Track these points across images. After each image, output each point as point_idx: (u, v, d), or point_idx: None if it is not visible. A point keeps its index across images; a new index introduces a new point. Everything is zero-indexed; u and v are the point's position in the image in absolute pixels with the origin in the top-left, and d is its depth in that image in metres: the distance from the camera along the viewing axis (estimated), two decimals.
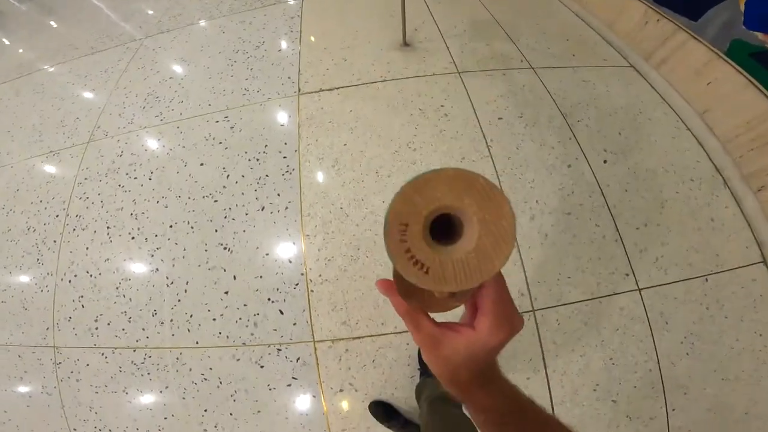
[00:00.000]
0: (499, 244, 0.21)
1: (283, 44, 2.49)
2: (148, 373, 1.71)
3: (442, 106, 2.05)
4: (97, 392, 1.72)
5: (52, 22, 3.57)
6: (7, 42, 3.07)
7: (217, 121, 2.09)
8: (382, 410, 1.52)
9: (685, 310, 1.59)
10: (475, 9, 2.58)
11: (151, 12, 3.14)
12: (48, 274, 1.90)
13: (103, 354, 1.75)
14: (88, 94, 2.52)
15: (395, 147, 1.92)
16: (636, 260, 1.65)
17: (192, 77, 2.39)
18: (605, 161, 1.87)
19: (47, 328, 1.82)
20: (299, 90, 2.14)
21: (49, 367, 1.77)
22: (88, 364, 1.75)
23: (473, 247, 0.21)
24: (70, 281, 1.86)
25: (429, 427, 1.02)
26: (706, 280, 1.63)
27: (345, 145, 1.94)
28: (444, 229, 0.23)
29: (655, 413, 1.53)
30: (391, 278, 0.34)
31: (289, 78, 2.20)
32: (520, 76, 2.17)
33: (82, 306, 1.82)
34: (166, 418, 1.67)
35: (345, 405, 1.59)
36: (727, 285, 1.62)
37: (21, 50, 3.22)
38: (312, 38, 2.50)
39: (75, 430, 1.72)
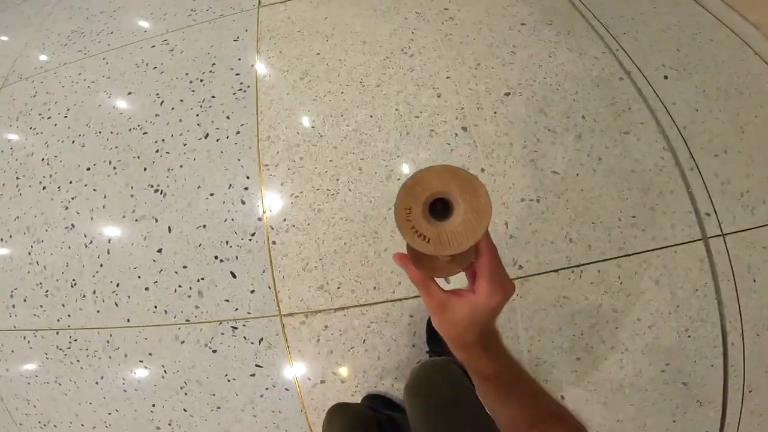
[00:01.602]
0: (480, 217, 0.28)
1: None
2: (78, 360, 1.32)
3: (445, 9, 1.54)
4: (29, 383, 1.39)
5: None
6: None
7: (153, 46, 1.62)
8: (378, 407, 1.10)
9: None
10: None
11: None
12: None
13: (25, 338, 1.37)
14: (3, 39, 2.08)
15: (385, 53, 1.44)
16: (717, 195, 1.20)
17: (126, 7, 1.89)
18: (666, 77, 1.39)
19: None
20: (259, 2, 1.62)
21: None
22: (12, 351, 1.39)
23: (461, 221, 0.29)
24: None
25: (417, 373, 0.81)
26: None
27: (318, 54, 1.46)
28: (441, 209, 0.30)
29: (732, 397, 1.13)
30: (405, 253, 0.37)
31: None
32: None
33: None
34: (110, 413, 1.30)
35: (329, 401, 1.16)
36: None
37: None
38: None
39: (21, 425, 1.41)
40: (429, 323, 1.16)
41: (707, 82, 1.39)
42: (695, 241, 1.17)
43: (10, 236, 1.43)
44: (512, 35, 1.46)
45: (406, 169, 1.26)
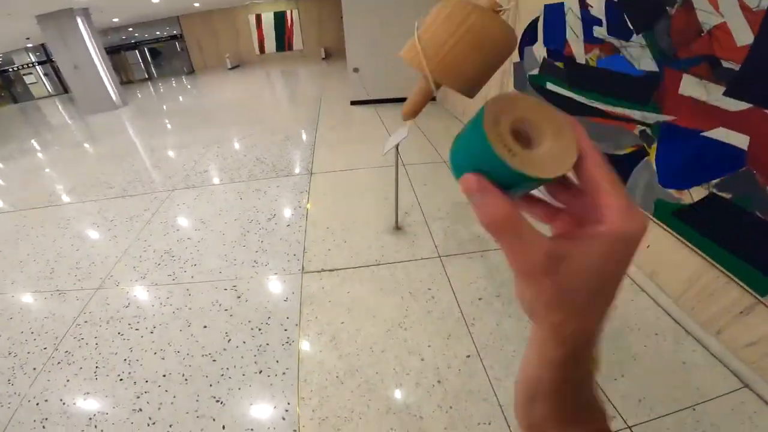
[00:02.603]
0: (567, 152, 0.24)
1: (292, 218, 2.89)
2: None
3: (429, 289, 2.36)
4: None
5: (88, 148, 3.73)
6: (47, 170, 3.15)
7: (226, 289, 2.34)
8: None
9: None
10: (455, 192, 3.06)
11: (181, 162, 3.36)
12: (16, 394, 1.84)
13: None
14: (108, 240, 2.73)
15: (388, 326, 2.19)
16: (620, 405, 1.70)
17: (208, 242, 2.70)
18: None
19: None
20: (303, 269, 2.51)
21: None
22: None
23: (548, 150, 0.24)
24: (37, 404, 1.81)
25: None
26: (694, 409, 1.66)
27: (342, 323, 2.21)
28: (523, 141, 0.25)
29: None
30: None
31: (294, 255, 2.58)
32: (496, 256, 2.54)
33: (43, 427, 1.72)
34: None
35: None
36: (717, 410, 1.66)
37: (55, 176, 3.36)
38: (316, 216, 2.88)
39: None
40: None
41: (606, 327, 2.16)
42: None
43: (74, 402, 1.80)
44: (473, 309, 2.17)
45: (398, 407, 1.92)
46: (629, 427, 1.65)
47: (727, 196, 1.69)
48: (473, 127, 0.24)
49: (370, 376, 1.97)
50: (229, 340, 2.10)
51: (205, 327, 2.16)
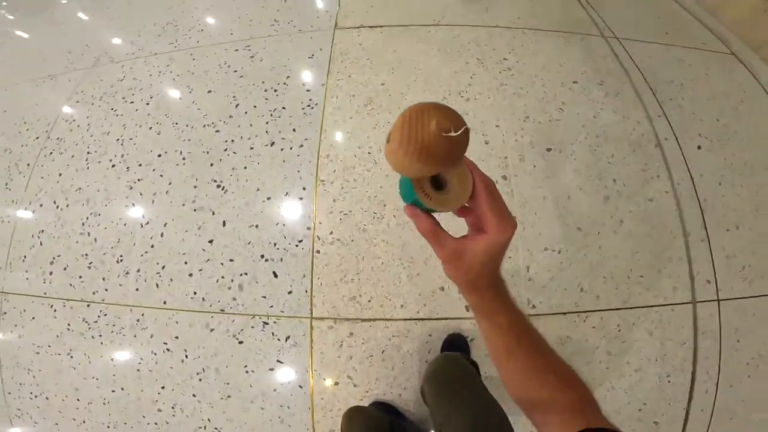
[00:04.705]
0: (465, 192, 0.37)
1: None
2: (100, 335, 1.35)
3: (505, 59, 1.66)
4: (38, 353, 1.40)
5: None
6: None
7: (237, 50, 1.75)
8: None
9: (762, 330, 1.32)
10: None
11: None
12: (12, 201, 1.58)
13: (52, 306, 1.41)
14: (103, 22, 2.25)
15: (444, 93, 1.55)
16: (721, 266, 1.35)
17: (219, 6, 2.07)
18: (699, 147, 1.53)
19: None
20: (336, 24, 1.79)
21: None
22: (33, 318, 1.42)
23: (453, 192, 0.37)
24: (34, 211, 1.54)
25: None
26: None
27: (383, 84, 1.57)
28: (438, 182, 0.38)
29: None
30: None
31: (327, 12, 1.85)
32: (601, 45, 1.78)
33: (41, 243, 1.48)
34: (113, 391, 1.32)
35: (338, 402, 1.22)
36: None
37: None
38: None
39: (9, 393, 1.41)
40: (445, 341, 1.22)
41: (737, 155, 1.51)
42: (688, 303, 1.29)
43: (67, 205, 1.51)
44: (563, 92, 1.59)
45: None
46: (718, 300, 1.31)
47: None
48: (406, 179, 0.37)
49: None
50: (237, 105, 1.58)
51: (209, 92, 1.65)
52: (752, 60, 1.84)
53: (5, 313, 1.45)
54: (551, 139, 1.46)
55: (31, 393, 1.38)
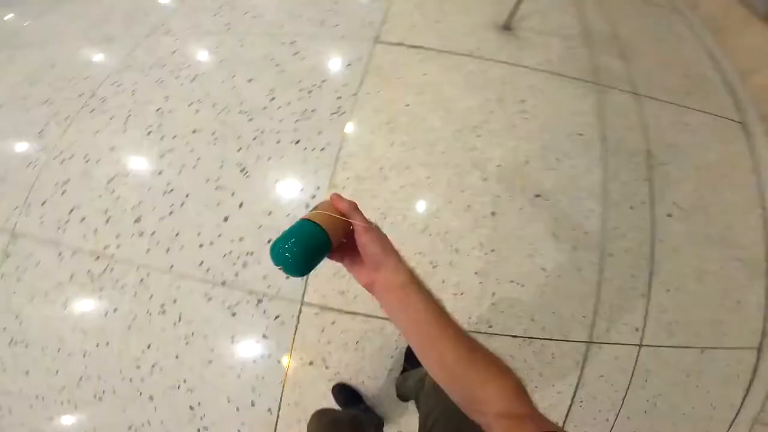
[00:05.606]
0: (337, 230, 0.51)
1: None
2: (101, 289, 1.42)
3: (523, 101, 1.77)
4: (32, 299, 1.44)
5: None
6: None
7: (283, 43, 1.87)
8: (345, 396, 1.32)
9: (667, 374, 1.49)
10: (595, 17, 2.27)
11: None
12: (42, 149, 1.67)
13: (60, 254, 1.47)
14: None
15: (458, 126, 1.66)
16: (652, 320, 1.50)
17: None
18: (669, 215, 1.64)
19: (15, 208, 1.56)
20: (378, 36, 1.92)
21: None
22: (39, 263, 1.48)
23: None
24: (63, 161, 1.63)
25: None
26: (702, 351, 1.52)
27: (407, 105, 1.68)
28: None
29: None
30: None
31: (371, 23, 1.97)
32: (619, 98, 1.89)
33: (63, 192, 1.57)
34: (98, 345, 1.38)
35: (308, 379, 1.34)
36: (720, 358, 1.54)
37: None
38: None
39: None
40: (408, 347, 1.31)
41: (699, 229, 1.64)
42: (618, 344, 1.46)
43: (98, 161, 1.60)
44: (566, 142, 1.68)
45: (438, 229, 1.47)
46: (640, 346, 1.48)
47: None
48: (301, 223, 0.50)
49: (419, 179, 1.52)
50: (273, 98, 1.69)
51: (250, 80, 1.75)
52: (757, 132, 1.92)
53: (9, 255, 1.50)
54: (543, 186, 1.57)
55: (12, 339, 1.42)
